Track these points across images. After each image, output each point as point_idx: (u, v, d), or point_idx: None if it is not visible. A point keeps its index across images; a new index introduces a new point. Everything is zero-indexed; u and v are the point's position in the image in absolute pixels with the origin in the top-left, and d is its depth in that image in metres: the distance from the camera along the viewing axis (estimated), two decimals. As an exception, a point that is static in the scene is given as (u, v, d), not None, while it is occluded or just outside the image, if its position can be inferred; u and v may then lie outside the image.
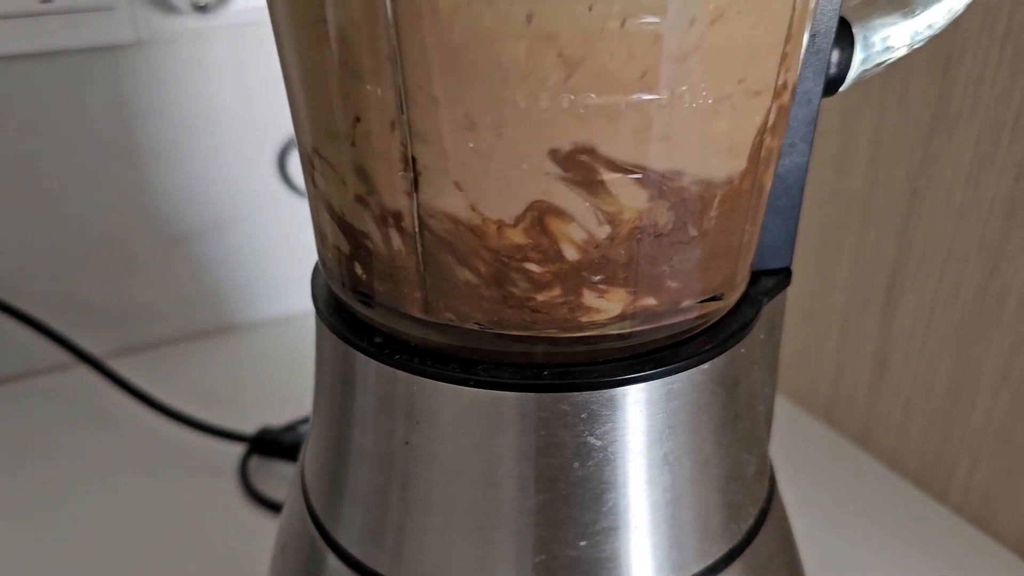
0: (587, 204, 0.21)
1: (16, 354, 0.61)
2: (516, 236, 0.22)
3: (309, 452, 0.30)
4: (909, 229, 0.48)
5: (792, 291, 0.57)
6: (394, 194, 0.22)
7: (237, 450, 0.55)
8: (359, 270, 0.25)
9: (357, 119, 0.22)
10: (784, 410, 0.59)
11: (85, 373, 0.60)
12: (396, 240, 0.23)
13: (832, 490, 0.51)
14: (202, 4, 0.56)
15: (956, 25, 0.42)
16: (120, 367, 0.60)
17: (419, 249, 0.23)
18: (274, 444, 0.54)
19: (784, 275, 0.29)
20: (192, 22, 0.57)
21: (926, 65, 0.45)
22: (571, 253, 0.22)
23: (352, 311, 0.26)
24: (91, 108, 0.58)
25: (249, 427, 0.55)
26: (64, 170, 0.59)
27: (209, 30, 0.58)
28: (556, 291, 0.22)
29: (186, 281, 0.65)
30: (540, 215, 0.21)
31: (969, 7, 0.42)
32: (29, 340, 0.60)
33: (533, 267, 0.22)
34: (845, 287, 0.53)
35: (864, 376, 0.54)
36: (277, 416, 0.57)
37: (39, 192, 0.58)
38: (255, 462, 0.54)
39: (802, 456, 0.54)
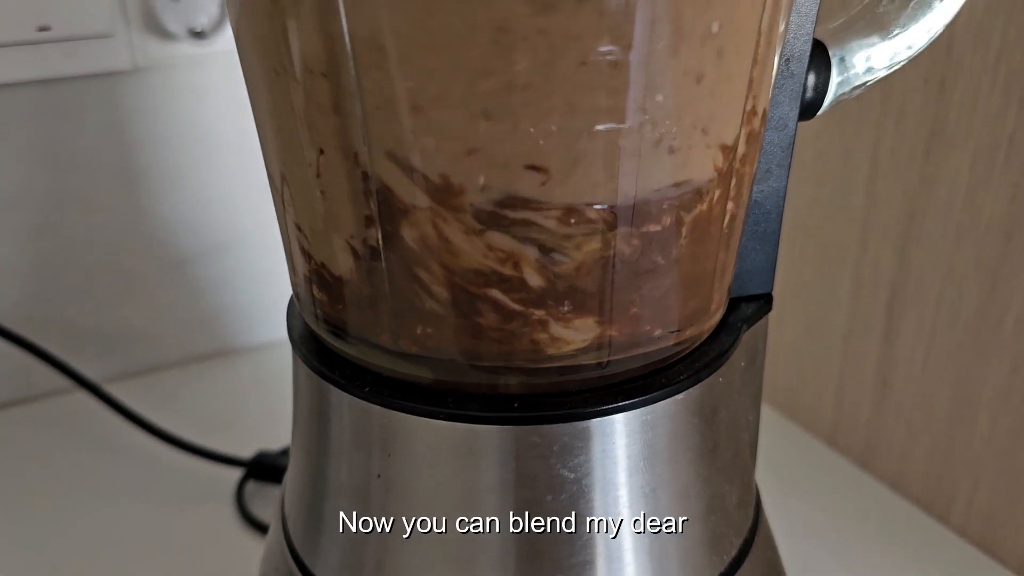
0: (551, 234, 0.21)
1: (13, 379, 0.61)
2: (481, 265, 0.21)
3: (288, 484, 0.30)
4: (908, 249, 0.48)
5: (793, 311, 0.57)
6: (358, 224, 0.22)
7: (234, 475, 0.54)
8: (328, 301, 0.24)
9: (321, 151, 0.22)
10: (785, 431, 0.58)
11: (82, 398, 0.60)
12: (362, 270, 0.23)
13: (835, 512, 0.51)
14: (199, 30, 0.57)
15: (950, 45, 0.42)
16: (117, 391, 0.60)
17: (386, 279, 0.22)
18: (271, 468, 0.53)
19: (765, 301, 0.28)
20: (189, 48, 0.58)
21: (921, 85, 0.44)
22: (536, 282, 0.22)
23: (325, 343, 0.26)
24: (88, 134, 0.58)
25: (247, 451, 0.55)
26: (61, 195, 0.59)
27: (206, 56, 0.59)
28: (522, 321, 0.22)
29: (184, 305, 0.65)
30: (504, 245, 0.21)
31: (957, 28, 0.41)
32: (26, 364, 0.60)
33: (498, 296, 0.22)
34: (846, 307, 0.53)
35: (866, 397, 0.53)
36: (275, 439, 0.56)
37: (36, 217, 0.59)
38: (252, 487, 0.54)
39: (804, 478, 0.54)
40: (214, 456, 0.54)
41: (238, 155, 0.62)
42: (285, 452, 0.54)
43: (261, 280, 0.67)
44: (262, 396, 0.63)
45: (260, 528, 0.50)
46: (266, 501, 0.52)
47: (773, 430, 0.58)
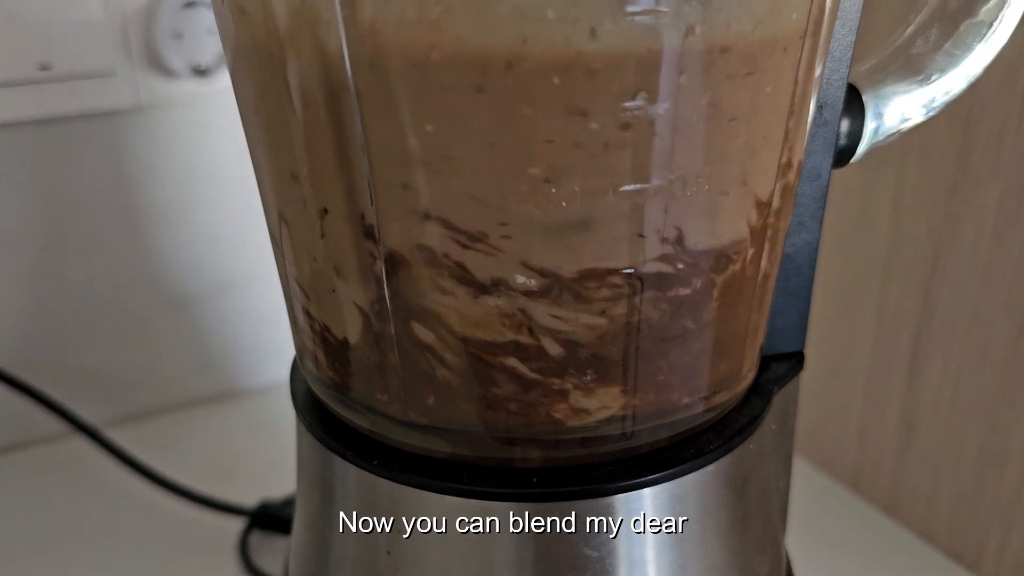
0: (574, 300, 0.19)
1: (10, 423, 0.60)
2: (496, 333, 0.20)
3: (292, 555, 0.28)
4: (933, 289, 0.46)
5: (814, 352, 0.55)
6: (365, 287, 0.21)
7: (237, 525, 0.53)
8: (334, 366, 0.23)
9: (325, 210, 0.20)
10: (808, 477, 0.57)
11: (81, 443, 0.59)
12: (369, 335, 0.21)
13: (859, 560, 0.49)
14: (202, 68, 0.56)
15: (975, 83, 0.41)
16: (118, 436, 0.59)
17: (394, 345, 0.21)
18: (275, 519, 0.52)
19: (797, 359, 0.27)
20: (191, 86, 0.57)
21: (946, 122, 0.43)
22: (555, 350, 0.20)
23: (331, 411, 0.25)
24: (90, 173, 0.57)
25: (251, 498, 0.54)
26: (62, 235, 0.58)
27: (209, 94, 0.58)
28: (540, 391, 0.20)
29: (188, 346, 0.64)
30: (522, 312, 0.20)
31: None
32: (24, 409, 0.58)
33: (515, 365, 0.20)
34: (869, 348, 0.51)
35: (890, 441, 0.51)
36: (280, 487, 0.55)
37: (37, 257, 0.57)
38: (256, 537, 0.52)
39: (827, 525, 0.52)
40: (216, 505, 0.53)
41: (242, 194, 0.61)
42: (290, 501, 0.53)
43: (266, 321, 0.66)
44: (267, 440, 0.61)
45: (264, 581, 0.48)
46: (271, 552, 0.51)
47: (794, 474, 0.57)
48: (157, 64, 0.56)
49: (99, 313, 0.61)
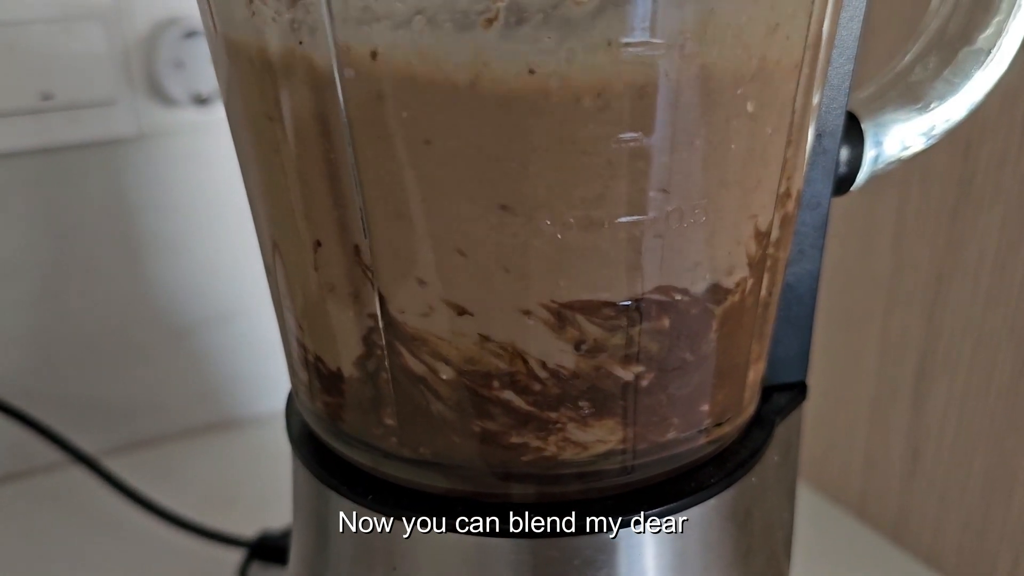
0: (570, 333, 0.19)
1: (8, 453, 0.60)
2: (490, 365, 0.20)
3: (287, 589, 0.28)
4: (936, 315, 0.46)
5: (818, 378, 0.55)
6: (360, 323, 0.20)
7: (236, 556, 0.52)
8: (329, 400, 0.23)
9: (318, 243, 0.20)
10: (813, 504, 0.56)
11: (80, 473, 0.58)
12: (364, 369, 0.21)
13: (866, 590, 0.48)
14: (203, 98, 0.56)
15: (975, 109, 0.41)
16: (117, 466, 0.58)
17: (389, 379, 0.21)
18: (275, 550, 0.51)
19: (799, 390, 0.26)
20: (192, 115, 0.57)
21: (947, 147, 0.43)
22: (551, 383, 0.20)
23: (326, 444, 0.24)
24: (91, 201, 0.57)
25: (251, 529, 0.53)
26: (63, 264, 0.57)
27: (209, 122, 0.58)
28: (537, 424, 0.20)
29: (187, 375, 0.63)
30: (517, 343, 0.19)
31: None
32: (21, 438, 0.58)
33: (511, 398, 0.20)
34: (873, 374, 0.51)
35: (896, 468, 0.51)
36: (280, 517, 0.54)
37: (37, 286, 0.57)
38: (255, 569, 0.51)
39: (834, 553, 0.51)
40: (215, 536, 0.52)
41: (242, 222, 0.61)
42: (289, 532, 0.52)
43: (266, 350, 0.65)
44: (266, 470, 0.61)
45: (263, 613, 0.47)
46: (271, 584, 0.50)
47: (799, 501, 0.56)
48: (158, 93, 0.56)
49: (99, 341, 0.60)
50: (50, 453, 0.60)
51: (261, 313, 0.64)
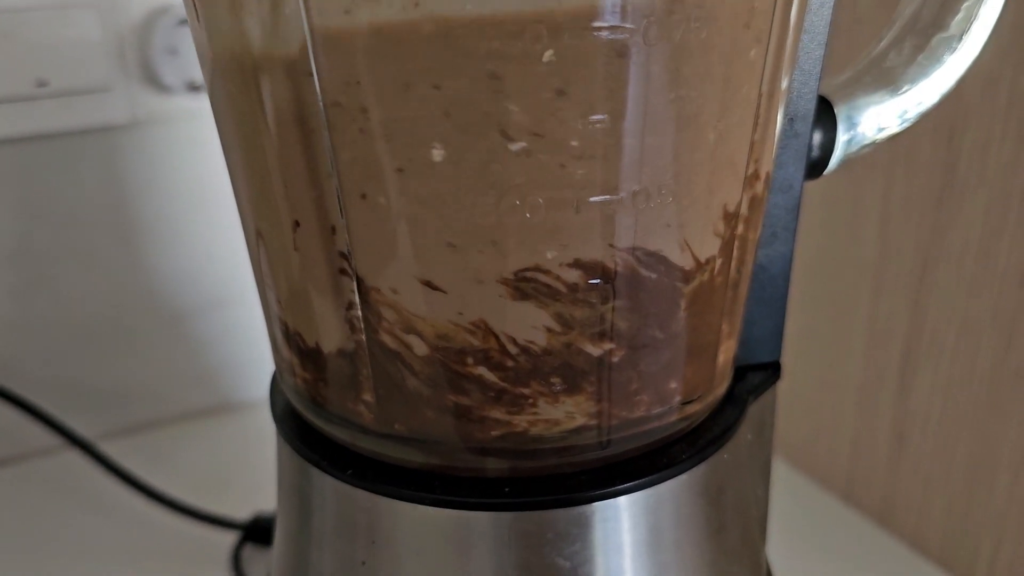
0: (541, 310, 0.20)
1: (3, 437, 0.60)
2: (463, 341, 0.20)
3: (273, 566, 0.28)
4: (921, 301, 0.46)
5: (805, 364, 0.55)
6: (338, 300, 0.21)
7: (230, 538, 0.53)
8: (309, 378, 0.23)
9: (297, 223, 0.20)
10: (800, 489, 0.57)
11: (75, 457, 0.59)
12: (343, 346, 0.21)
13: (852, 572, 0.49)
14: (197, 85, 0.56)
15: (959, 94, 0.41)
16: (113, 450, 0.59)
17: (367, 356, 0.21)
18: (268, 532, 0.52)
19: (772, 370, 0.27)
20: (186, 102, 0.57)
21: (931, 133, 0.43)
22: (523, 359, 0.20)
23: (308, 422, 0.25)
24: (86, 188, 0.57)
25: (244, 512, 0.54)
26: (58, 250, 0.58)
27: (203, 110, 0.58)
28: (509, 400, 0.21)
29: (182, 360, 0.64)
30: (489, 320, 0.20)
31: (965, 75, 0.40)
32: (17, 422, 0.59)
33: (484, 373, 0.20)
34: (859, 359, 0.51)
35: (882, 452, 0.51)
36: (273, 500, 0.54)
37: (32, 272, 0.58)
38: (249, 550, 0.52)
39: (820, 537, 0.52)
40: (209, 518, 0.53)
41: (236, 209, 0.61)
42: (282, 514, 0.53)
43: (259, 335, 0.66)
44: (260, 453, 0.61)
45: (256, 594, 0.48)
46: (263, 565, 0.51)
47: (786, 486, 0.57)
48: (152, 80, 0.56)
49: (93, 327, 0.61)
50: (46, 437, 0.60)
51: (254, 299, 0.64)
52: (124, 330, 0.62)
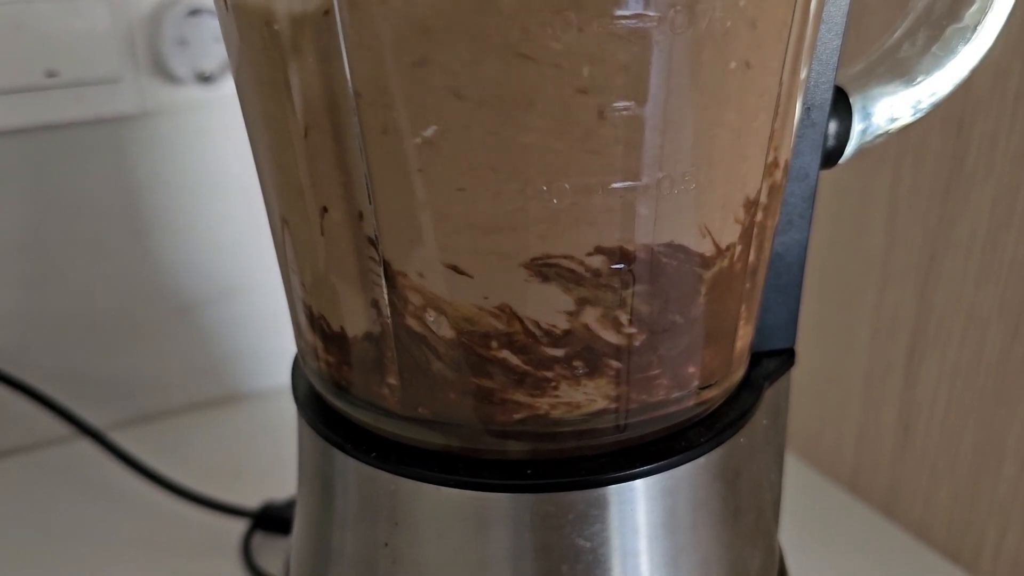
0: (564, 295, 0.20)
1: (15, 427, 0.60)
2: (490, 326, 0.20)
3: (293, 551, 0.29)
4: (928, 291, 0.47)
5: (811, 354, 0.55)
6: (364, 284, 0.21)
7: (240, 526, 0.53)
8: (333, 361, 0.24)
9: (325, 209, 0.21)
10: (806, 478, 0.57)
11: (86, 446, 0.59)
12: (368, 330, 0.22)
13: (857, 561, 0.49)
14: (206, 75, 0.56)
15: (968, 86, 0.41)
16: (123, 439, 0.59)
17: (392, 339, 0.21)
18: (278, 520, 0.52)
19: (787, 356, 0.27)
20: (196, 92, 0.57)
21: (940, 124, 0.43)
22: (547, 343, 0.21)
23: (331, 405, 0.25)
24: (95, 178, 0.57)
25: (254, 500, 0.54)
26: (67, 241, 0.58)
27: (213, 100, 0.58)
28: (532, 383, 0.21)
29: (191, 350, 0.64)
30: (513, 304, 0.20)
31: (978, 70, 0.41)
32: (29, 412, 0.59)
33: (508, 357, 0.21)
34: (866, 350, 0.52)
35: (888, 442, 0.52)
36: (283, 488, 0.55)
37: (42, 263, 0.58)
38: (259, 539, 0.52)
39: (825, 525, 0.52)
40: (219, 506, 0.53)
41: (246, 199, 0.62)
42: (292, 503, 0.53)
43: (270, 324, 0.66)
44: (269, 443, 0.62)
45: (266, 581, 0.48)
46: (274, 553, 0.51)
47: (793, 476, 0.57)
48: (162, 71, 0.56)
49: (103, 318, 0.61)
50: (56, 426, 0.61)
51: (263, 289, 0.65)
52: (134, 320, 0.62)
